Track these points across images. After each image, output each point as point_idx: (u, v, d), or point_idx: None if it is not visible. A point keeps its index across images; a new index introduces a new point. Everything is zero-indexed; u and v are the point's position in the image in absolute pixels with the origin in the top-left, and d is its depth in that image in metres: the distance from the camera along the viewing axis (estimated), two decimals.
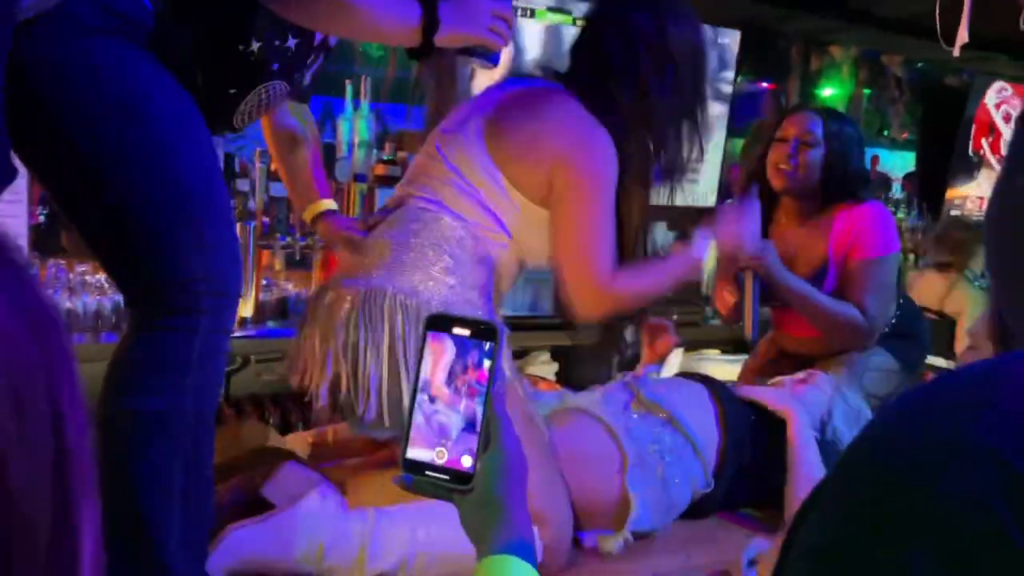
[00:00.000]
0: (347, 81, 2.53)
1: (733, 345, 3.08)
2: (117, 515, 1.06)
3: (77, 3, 1.04)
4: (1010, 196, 0.52)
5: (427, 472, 0.70)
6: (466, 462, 0.69)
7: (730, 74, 3.48)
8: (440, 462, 0.69)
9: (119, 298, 2.15)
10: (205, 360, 1.12)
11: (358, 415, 1.26)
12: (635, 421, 1.47)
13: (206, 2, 1.19)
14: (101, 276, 2.18)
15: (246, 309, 2.26)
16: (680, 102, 1.39)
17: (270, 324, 2.30)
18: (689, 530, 1.50)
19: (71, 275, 2.16)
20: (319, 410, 1.34)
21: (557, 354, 2.88)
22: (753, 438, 1.56)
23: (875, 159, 9.18)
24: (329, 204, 1.62)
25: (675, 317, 2.99)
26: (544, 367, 2.82)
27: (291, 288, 2.48)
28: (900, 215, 3.58)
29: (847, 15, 3.60)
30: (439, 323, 0.71)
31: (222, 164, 1.50)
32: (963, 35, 2.15)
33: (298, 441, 1.65)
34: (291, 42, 1.26)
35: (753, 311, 1.80)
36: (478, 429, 0.69)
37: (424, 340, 0.71)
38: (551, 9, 3.00)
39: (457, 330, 0.71)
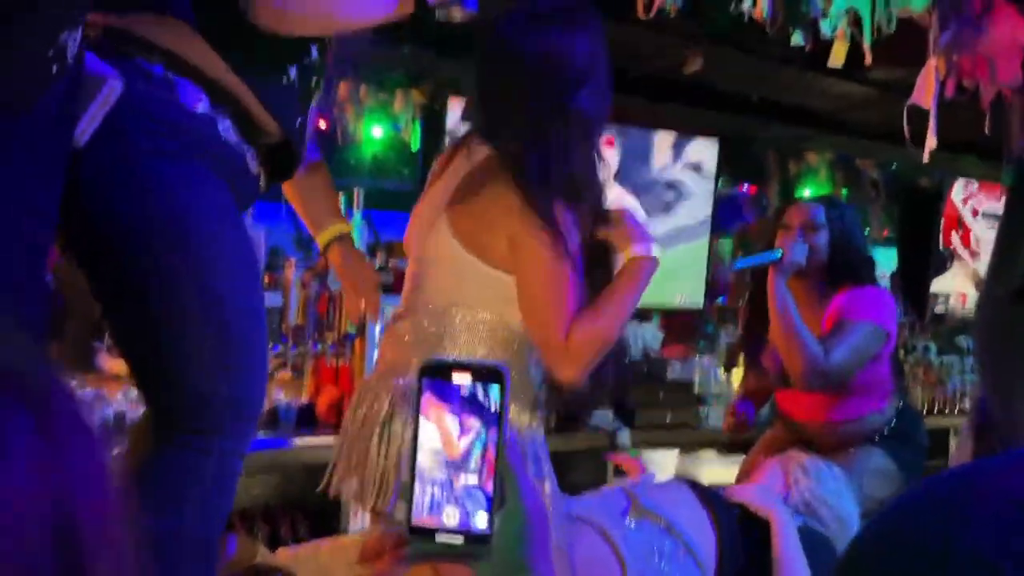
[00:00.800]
0: (340, 192, 2.60)
1: (728, 445, 3.06)
2: None
3: (128, 125, 1.08)
4: (988, 306, 0.55)
5: (438, 537, 0.63)
6: (480, 522, 0.62)
7: (710, 181, 3.60)
8: (451, 524, 0.63)
9: (108, 413, 2.14)
10: (218, 483, 1.12)
11: (385, 508, 1.24)
12: (633, 530, 1.45)
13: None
14: (92, 390, 2.17)
15: None
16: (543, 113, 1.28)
17: (261, 434, 2.28)
18: None
19: None
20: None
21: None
22: (743, 539, 1.54)
23: None
24: (344, 227, 1.60)
25: (668, 419, 2.99)
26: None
27: (283, 397, 2.47)
28: None
29: (819, 123, 3.77)
30: (435, 371, 0.64)
31: None
32: (931, 142, 2.25)
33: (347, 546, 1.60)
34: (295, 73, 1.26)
35: None
36: (490, 485, 0.62)
37: (420, 391, 0.64)
38: None
39: (457, 377, 0.63)
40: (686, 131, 3.52)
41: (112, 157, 1.08)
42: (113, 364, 2.23)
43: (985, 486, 0.38)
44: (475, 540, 0.62)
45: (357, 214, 2.53)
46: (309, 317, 2.39)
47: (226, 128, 1.16)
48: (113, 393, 2.20)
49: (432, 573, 1.27)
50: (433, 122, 3.19)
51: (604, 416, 2.71)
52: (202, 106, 1.14)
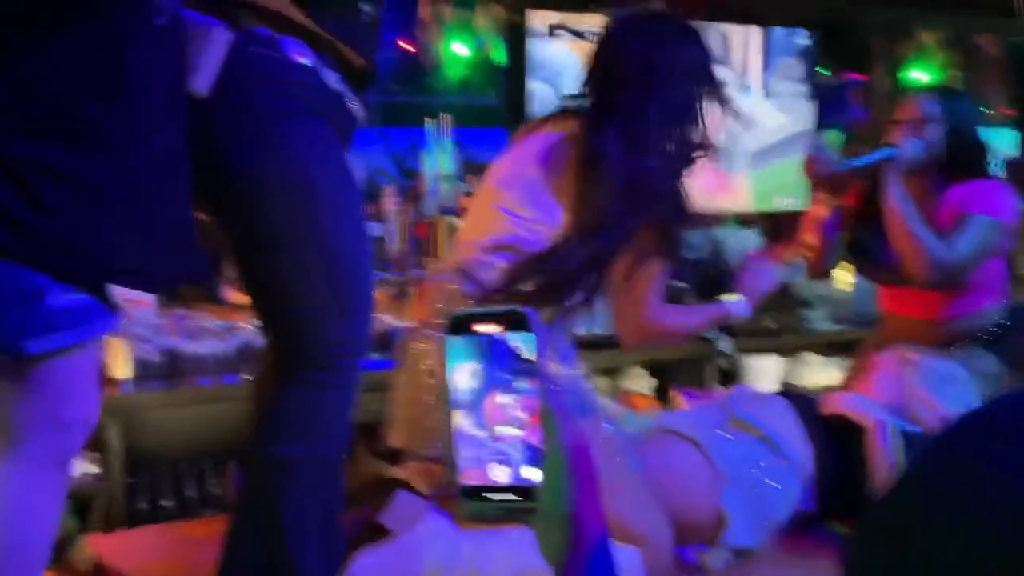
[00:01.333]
0: (427, 118, 2.64)
1: (831, 347, 3.02)
2: (266, 550, 1.19)
3: (251, 88, 1.15)
4: None
5: (488, 495, 0.61)
6: (529, 473, 0.60)
7: (804, 73, 3.43)
8: (502, 481, 0.60)
9: (238, 342, 2.32)
10: (338, 412, 1.23)
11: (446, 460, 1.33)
12: (729, 441, 1.48)
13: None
14: (220, 322, 2.35)
15: None
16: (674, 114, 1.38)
17: (375, 356, 2.42)
18: (790, 546, 1.49)
19: (191, 322, 2.34)
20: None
21: (653, 367, 2.89)
22: (841, 450, 1.55)
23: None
24: None
25: (772, 324, 2.97)
26: (640, 381, 2.84)
27: (391, 321, 2.59)
28: None
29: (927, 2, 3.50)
30: (460, 325, 0.61)
31: None
32: None
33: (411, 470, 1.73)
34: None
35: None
36: (533, 435, 0.60)
37: (446, 348, 0.61)
38: None
39: (483, 328, 0.60)
40: (783, 23, 3.34)
41: (244, 123, 1.15)
42: (237, 295, 2.39)
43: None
44: (526, 493, 0.60)
45: (447, 138, 2.57)
46: (409, 243, 2.48)
47: (329, 76, 1.22)
48: (240, 323, 2.37)
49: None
50: (515, 37, 3.15)
51: None
52: (307, 59, 1.19)
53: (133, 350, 2.17)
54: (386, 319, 2.59)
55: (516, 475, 0.60)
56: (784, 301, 3.01)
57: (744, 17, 3.32)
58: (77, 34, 0.93)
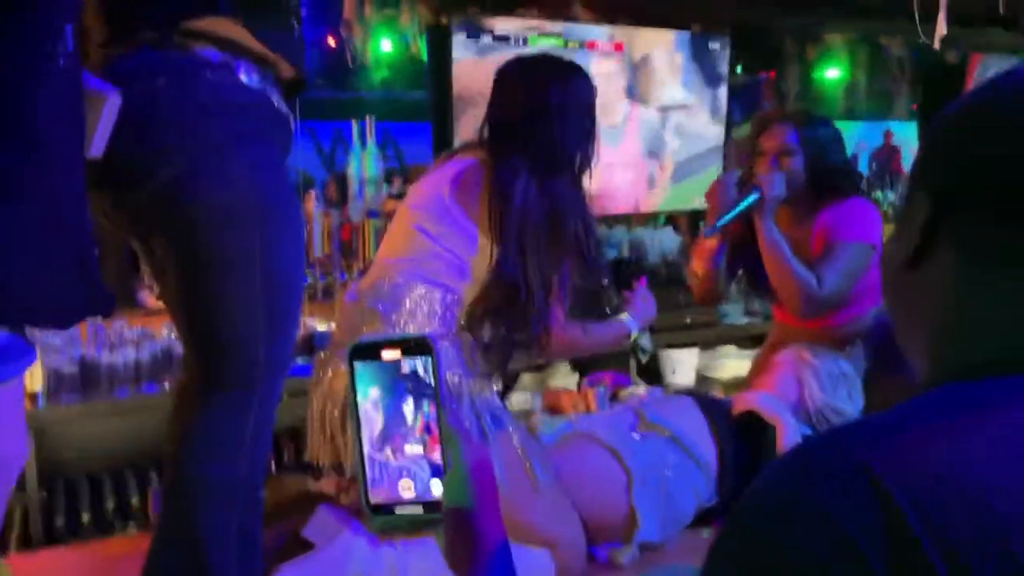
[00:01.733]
0: (352, 120, 2.64)
1: (746, 340, 3.15)
2: (186, 570, 1.20)
3: (209, 113, 1.15)
4: (886, 267, 0.61)
5: (397, 511, 0.65)
6: (435, 489, 0.64)
7: (724, 76, 3.54)
8: (408, 496, 0.65)
9: (156, 350, 2.28)
10: (259, 433, 1.23)
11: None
12: (639, 442, 1.56)
13: None
14: (137, 329, 2.30)
15: None
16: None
17: (299, 362, 2.41)
18: (696, 539, 1.58)
19: (110, 331, 2.29)
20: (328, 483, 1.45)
21: (577, 364, 2.96)
22: (746, 445, 1.64)
23: (888, 133, 9.11)
24: None
25: (689, 319, 3.07)
26: (566, 378, 2.91)
27: (316, 325, 2.59)
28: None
29: (838, 3, 3.65)
30: (365, 352, 0.65)
31: None
32: (941, 29, 2.22)
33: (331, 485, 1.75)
34: None
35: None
36: (437, 453, 0.64)
37: (353, 373, 0.65)
38: (542, 35, 3.09)
39: (387, 354, 0.65)
40: (699, 28, 3.44)
41: (200, 150, 1.14)
42: (154, 300, 2.34)
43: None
44: (433, 507, 0.64)
45: (371, 142, 2.57)
46: (333, 247, 2.48)
47: (276, 97, 1.22)
48: (158, 329, 2.32)
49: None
50: (439, 35, 3.16)
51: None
52: (256, 81, 1.19)
53: (46, 361, 2.11)
54: (310, 323, 2.58)
55: (421, 490, 0.64)
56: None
57: (662, 22, 3.40)
58: None
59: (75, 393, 2.15)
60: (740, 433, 1.65)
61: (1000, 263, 0.50)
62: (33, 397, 2.07)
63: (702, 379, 3.01)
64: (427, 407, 0.64)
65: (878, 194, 3.73)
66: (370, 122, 2.58)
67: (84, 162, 1.03)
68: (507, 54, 2.99)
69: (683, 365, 2.99)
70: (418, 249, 1.46)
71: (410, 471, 0.64)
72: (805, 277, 1.86)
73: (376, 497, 0.65)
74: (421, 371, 0.64)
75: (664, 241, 3.23)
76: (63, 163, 0.98)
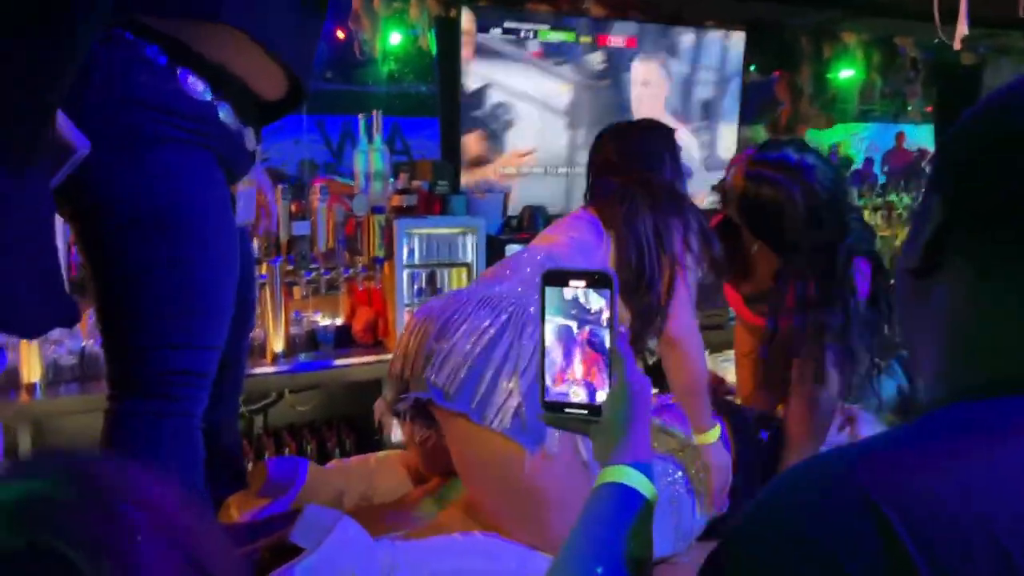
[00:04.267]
0: (360, 113, 2.60)
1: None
2: None
3: (134, 114, 1.14)
4: (898, 278, 0.58)
5: (565, 410, 0.79)
6: (600, 397, 0.78)
7: (736, 75, 3.49)
8: (577, 400, 0.79)
9: None
10: (179, 440, 1.21)
11: (428, 379, 1.35)
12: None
13: None
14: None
15: (278, 344, 2.35)
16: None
17: (302, 357, 2.38)
18: (707, 552, 1.53)
19: None
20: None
21: None
22: (764, 456, 1.60)
23: (901, 135, 9.00)
24: None
25: (701, 321, 3.03)
26: None
27: (320, 320, 2.56)
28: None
29: (851, 4, 3.60)
30: (556, 278, 0.78)
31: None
32: (962, 29, 2.17)
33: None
34: None
35: None
36: (607, 367, 0.77)
37: (543, 294, 0.78)
38: (553, 28, 3.06)
39: (573, 282, 0.77)
40: (714, 25, 3.39)
41: (117, 144, 1.13)
42: None
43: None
44: (596, 412, 0.78)
45: (378, 137, 2.54)
46: (338, 242, 2.45)
47: (226, 112, 1.20)
48: None
49: (462, 514, 1.37)
50: (448, 28, 3.13)
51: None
52: (202, 92, 1.17)
53: (44, 352, 2.09)
54: (314, 319, 2.55)
55: (588, 397, 0.79)
56: (709, 298, 3.07)
57: (674, 19, 3.36)
58: None
59: (74, 384, 2.13)
60: (756, 438, 1.61)
61: (1014, 278, 0.47)
62: (31, 388, 2.05)
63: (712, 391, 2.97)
64: (599, 332, 0.77)
65: (893, 197, 3.67)
66: (377, 116, 2.54)
67: (48, 167, 1.02)
68: (517, 48, 2.97)
69: None
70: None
71: (579, 381, 0.78)
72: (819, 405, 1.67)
73: (551, 396, 0.80)
74: (596, 300, 0.77)
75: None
76: (39, 190, 0.97)
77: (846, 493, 0.41)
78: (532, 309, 1.40)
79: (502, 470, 1.33)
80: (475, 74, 3.05)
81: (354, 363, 2.37)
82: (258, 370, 2.25)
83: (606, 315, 0.77)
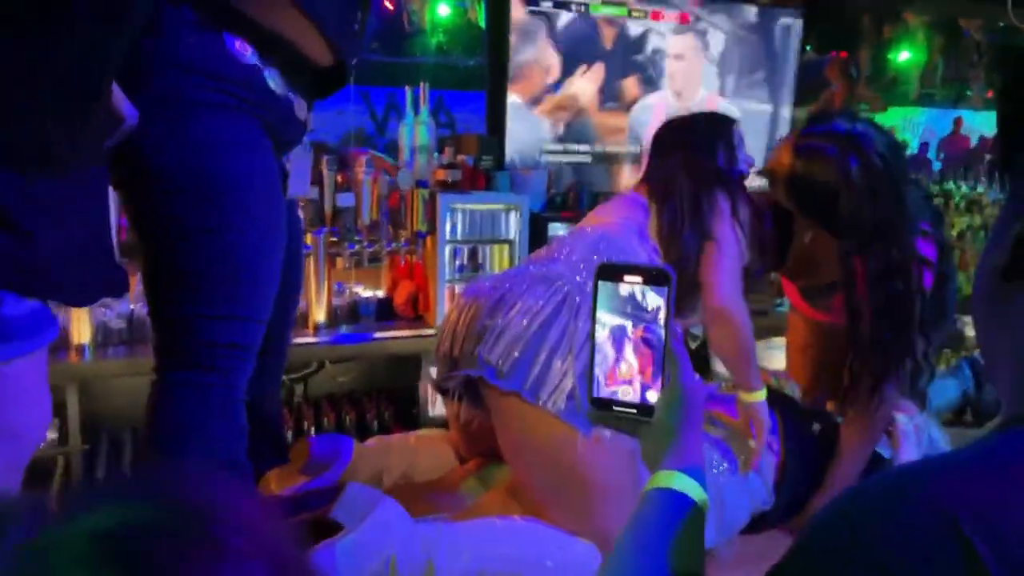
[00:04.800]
0: (406, 87, 2.58)
1: None
2: None
3: (179, 78, 1.12)
4: (981, 276, 0.52)
5: (614, 408, 0.76)
6: (651, 397, 0.75)
7: (793, 54, 3.39)
8: (627, 399, 0.76)
9: None
10: (226, 411, 1.21)
11: (481, 356, 1.34)
12: None
13: None
14: None
15: (320, 314, 2.36)
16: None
17: (343, 329, 2.40)
18: (750, 546, 1.51)
19: None
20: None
21: None
22: (814, 451, 1.56)
23: (959, 121, 8.74)
24: None
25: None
26: None
27: (362, 292, 2.57)
28: (980, 189, 3.43)
29: None
30: (611, 272, 0.75)
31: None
32: None
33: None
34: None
35: None
36: (660, 367, 0.74)
37: (597, 288, 0.75)
38: (605, 3, 2.99)
39: (629, 277, 0.74)
40: (771, 3, 3.29)
41: (161, 109, 1.12)
42: None
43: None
44: (646, 412, 0.75)
45: (424, 109, 2.51)
46: (382, 215, 2.44)
47: (273, 77, 1.18)
48: None
49: (503, 498, 1.36)
50: (497, 1, 3.08)
51: None
52: (249, 57, 1.15)
53: (93, 314, 2.12)
54: (355, 290, 2.56)
55: (639, 396, 0.75)
56: (756, 284, 3.01)
57: None
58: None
59: (122, 347, 2.17)
60: (810, 435, 1.57)
61: None
62: (80, 349, 2.09)
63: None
64: (654, 330, 0.74)
65: (950, 185, 3.54)
66: (424, 89, 2.52)
67: (104, 141, 1.02)
68: (567, 20, 2.92)
69: None
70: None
71: (630, 380, 0.75)
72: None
73: (600, 392, 0.76)
74: (653, 298, 0.74)
75: None
76: (95, 170, 0.97)
77: (933, 520, 0.39)
78: (589, 288, 1.37)
79: (552, 452, 1.31)
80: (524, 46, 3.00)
81: (395, 336, 2.38)
82: (300, 340, 2.27)
83: (663, 314, 0.73)
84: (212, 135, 1.14)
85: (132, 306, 2.20)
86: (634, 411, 0.76)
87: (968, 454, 0.43)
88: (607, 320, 0.75)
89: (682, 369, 0.74)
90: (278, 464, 1.54)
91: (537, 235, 2.57)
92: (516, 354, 1.32)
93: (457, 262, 2.47)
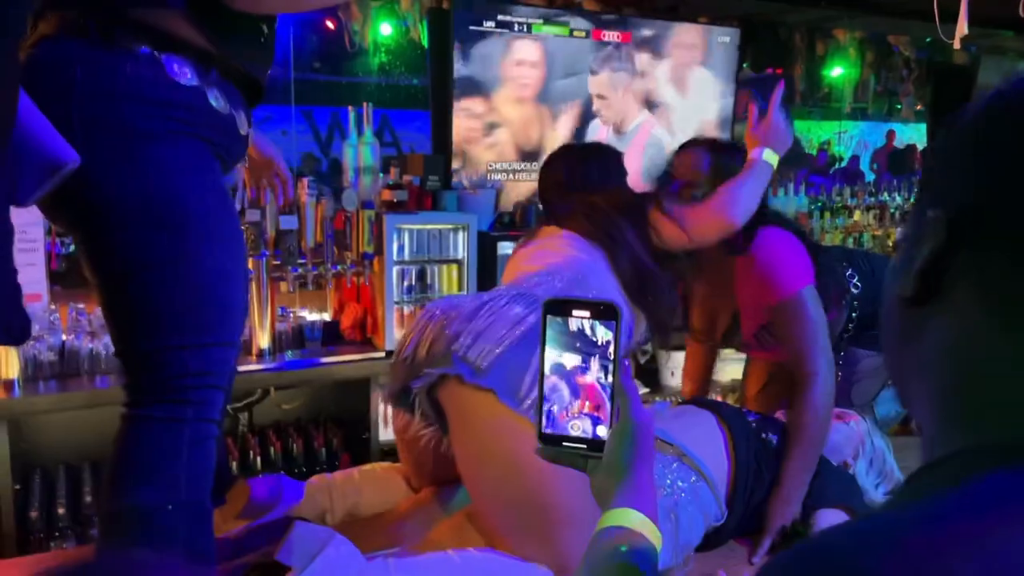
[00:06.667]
0: (349, 106, 2.55)
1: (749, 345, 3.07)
2: None
3: (123, 109, 1.09)
4: (887, 304, 0.49)
5: (564, 444, 0.76)
6: (602, 432, 0.75)
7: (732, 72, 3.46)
8: (576, 434, 0.76)
9: None
10: (197, 451, 1.15)
11: (456, 354, 1.30)
12: None
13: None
14: None
15: (263, 340, 2.30)
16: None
17: (288, 355, 2.34)
18: (707, 563, 1.50)
19: (91, 318, 2.21)
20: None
21: None
22: (766, 461, 1.56)
23: (891, 133, 9.04)
24: None
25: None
26: None
27: (307, 316, 2.51)
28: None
29: (847, 3, 3.58)
30: (559, 307, 0.75)
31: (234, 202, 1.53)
32: (962, 28, 2.14)
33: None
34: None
35: None
36: (609, 402, 0.74)
37: (545, 323, 0.75)
38: (547, 22, 3.00)
39: (577, 312, 0.74)
40: (708, 21, 3.36)
41: (109, 143, 1.08)
42: None
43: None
44: (596, 447, 0.75)
45: (368, 130, 2.48)
46: (327, 237, 2.39)
47: (214, 95, 1.15)
48: None
49: (458, 527, 1.32)
50: (439, 20, 3.07)
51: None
52: (190, 78, 1.12)
53: (22, 348, 2.03)
54: (301, 314, 2.51)
55: (589, 431, 0.75)
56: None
57: (669, 14, 3.32)
58: None
59: (53, 381, 2.07)
60: (759, 446, 1.57)
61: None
62: (8, 385, 1.99)
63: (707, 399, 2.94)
64: (602, 364, 0.74)
65: (885, 197, 3.65)
66: (367, 109, 2.49)
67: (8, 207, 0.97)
68: (510, 41, 2.92)
69: (681, 368, 2.92)
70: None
71: (580, 415, 0.75)
72: (826, 385, 1.63)
73: (550, 429, 0.76)
74: (602, 332, 0.74)
75: None
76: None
77: None
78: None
79: (517, 467, 1.24)
80: (467, 66, 3.00)
81: (342, 360, 2.33)
82: (243, 367, 2.21)
83: (612, 348, 0.74)
84: (159, 164, 1.11)
85: (64, 338, 2.11)
86: (584, 446, 0.75)
87: (900, 511, 0.39)
88: (556, 355, 0.75)
89: (632, 404, 0.74)
90: (216, 505, 1.48)
91: (486, 254, 2.55)
92: (497, 351, 1.27)
93: (405, 283, 2.43)
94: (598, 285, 1.53)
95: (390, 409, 1.55)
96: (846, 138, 9.21)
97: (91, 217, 1.11)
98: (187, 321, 1.13)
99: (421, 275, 2.45)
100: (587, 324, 0.74)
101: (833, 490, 1.57)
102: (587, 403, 0.75)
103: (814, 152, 8.55)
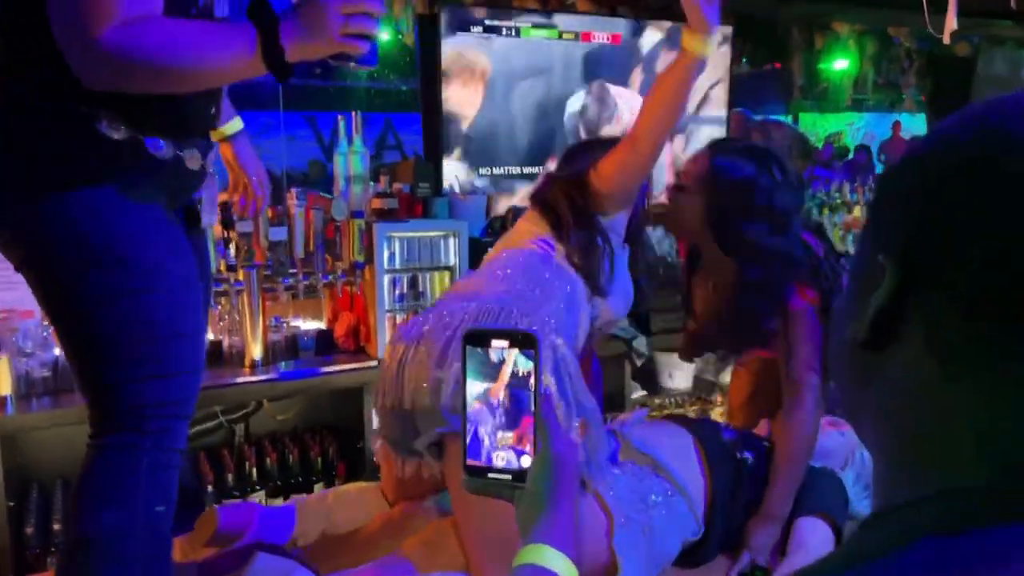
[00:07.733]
0: (339, 118, 2.54)
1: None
2: None
3: (52, 164, 1.13)
4: (838, 344, 0.48)
5: (489, 475, 0.77)
6: (526, 462, 0.75)
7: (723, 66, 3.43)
8: (501, 465, 0.76)
9: None
10: (157, 479, 1.16)
11: (444, 410, 1.29)
12: (621, 476, 1.44)
13: None
14: None
15: (256, 351, 2.30)
16: None
17: (282, 365, 2.34)
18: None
19: None
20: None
21: None
22: (743, 480, 1.54)
23: (897, 124, 8.97)
24: (239, 124, 1.62)
25: (684, 323, 2.98)
26: None
27: (301, 326, 2.51)
28: None
29: None
30: (478, 338, 0.75)
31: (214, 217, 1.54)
32: (951, 23, 2.12)
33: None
34: None
35: None
36: (530, 433, 0.75)
37: (465, 355, 0.75)
38: (535, 26, 2.99)
39: (496, 342, 0.75)
40: None
41: (39, 193, 1.13)
42: None
43: None
44: (520, 478, 0.76)
45: (357, 139, 2.48)
46: (317, 247, 2.39)
47: (155, 144, 1.19)
48: None
49: (423, 547, 1.32)
50: (428, 26, 3.07)
51: (621, 324, 2.70)
52: (123, 133, 1.16)
53: (15, 365, 2.04)
54: (294, 324, 2.51)
55: (512, 463, 0.76)
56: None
57: (664, 12, 3.30)
58: None
59: (47, 398, 2.08)
60: (734, 459, 1.55)
61: (980, 362, 0.38)
62: (2, 402, 2.00)
63: (699, 384, 2.93)
64: (524, 395, 0.74)
65: None
66: (357, 117, 2.48)
67: None
68: (499, 45, 2.91)
69: (680, 370, 2.90)
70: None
71: (505, 446, 0.75)
72: (814, 395, 1.59)
73: (474, 460, 0.76)
74: (522, 362, 0.74)
75: (663, 241, 3.13)
76: None
77: None
78: (548, 318, 1.36)
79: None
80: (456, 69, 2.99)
81: (337, 369, 2.32)
82: (237, 379, 2.21)
83: (531, 378, 0.74)
84: (90, 206, 1.13)
85: (57, 353, 2.12)
86: (509, 477, 0.76)
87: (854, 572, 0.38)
88: (478, 386, 0.75)
89: (553, 436, 0.74)
90: (182, 532, 1.48)
91: (478, 260, 2.54)
92: None
93: (397, 291, 2.43)
94: (544, 284, 1.51)
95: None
96: (852, 130, 9.14)
97: (34, 263, 1.15)
98: (141, 353, 1.15)
99: (413, 282, 2.45)
100: (508, 354, 0.74)
101: (814, 499, 1.55)
102: (511, 434, 0.75)
103: (820, 145, 8.50)
